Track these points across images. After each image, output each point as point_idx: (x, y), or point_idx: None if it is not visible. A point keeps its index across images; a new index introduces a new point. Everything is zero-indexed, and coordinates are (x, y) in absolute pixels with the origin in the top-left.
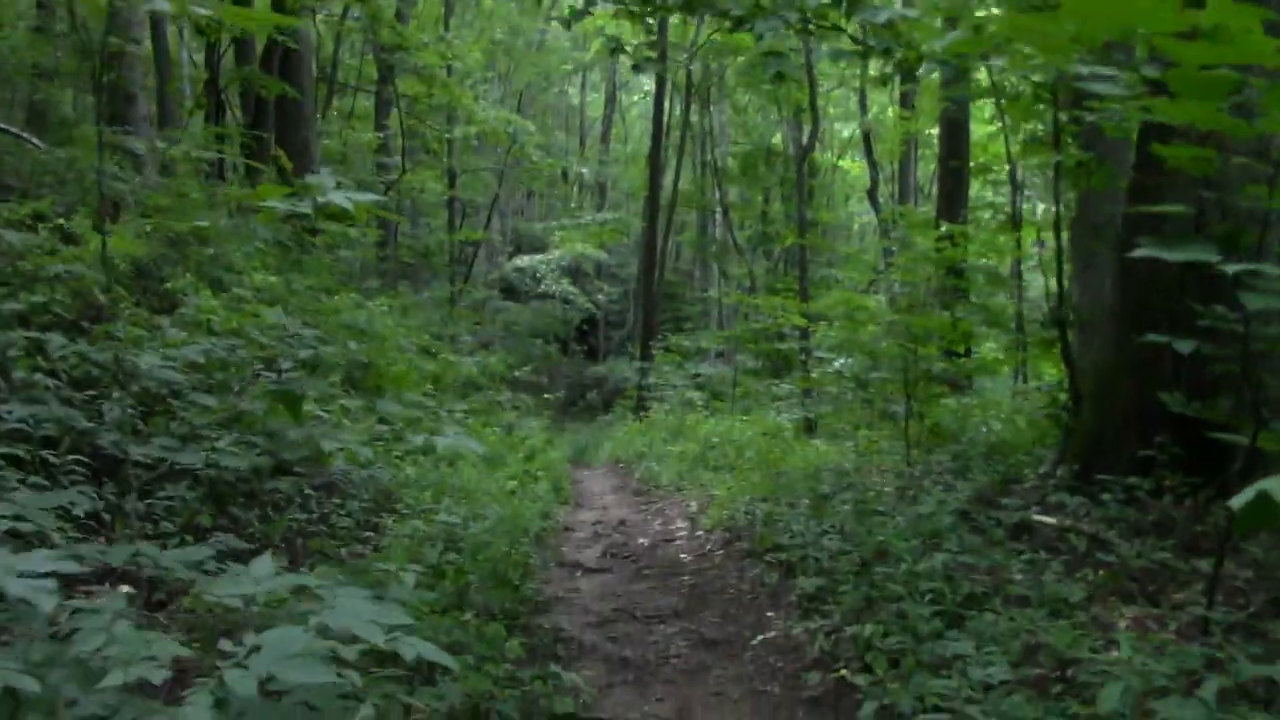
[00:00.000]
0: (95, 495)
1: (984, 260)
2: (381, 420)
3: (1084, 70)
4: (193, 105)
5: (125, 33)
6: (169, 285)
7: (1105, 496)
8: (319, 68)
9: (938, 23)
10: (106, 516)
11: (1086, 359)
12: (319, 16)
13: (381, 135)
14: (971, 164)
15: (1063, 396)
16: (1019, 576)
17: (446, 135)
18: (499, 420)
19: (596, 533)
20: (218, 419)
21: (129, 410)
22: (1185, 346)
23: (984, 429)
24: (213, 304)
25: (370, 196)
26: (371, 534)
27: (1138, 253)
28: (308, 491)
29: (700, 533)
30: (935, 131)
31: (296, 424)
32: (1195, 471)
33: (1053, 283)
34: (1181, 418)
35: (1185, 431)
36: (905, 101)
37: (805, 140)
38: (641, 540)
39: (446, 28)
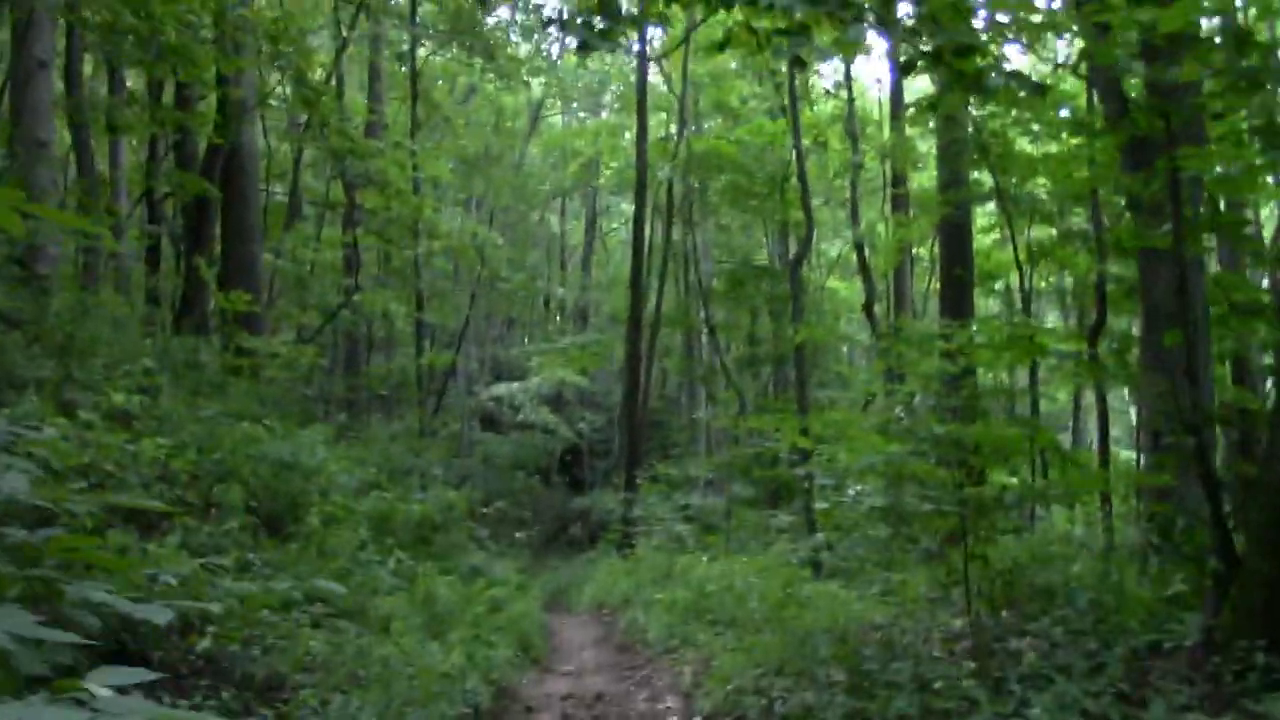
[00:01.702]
0: None
1: (991, 376)
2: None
3: None
4: (103, 210)
5: (29, 132)
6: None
7: None
8: (284, 188)
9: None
10: None
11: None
12: (272, 127)
13: (345, 254)
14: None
15: (1200, 534)
16: None
17: (407, 250)
18: (464, 564)
19: (565, 715)
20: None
21: None
22: None
23: (1060, 575)
24: (53, 432)
25: None
26: None
27: None
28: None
29: (697, 719)
30: (923, 250)
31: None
32: None
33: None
34: None
35: None
36: (899, 205)
37: (799, 248)
38: None
39: (413, 139)
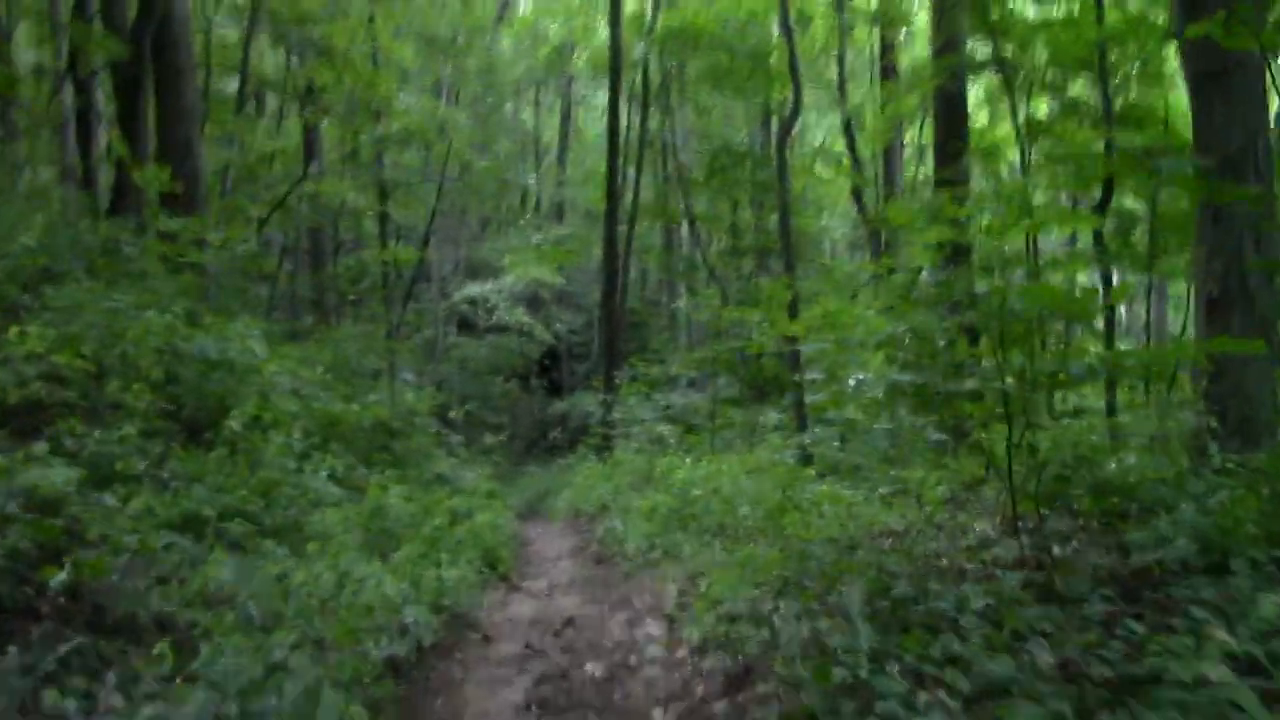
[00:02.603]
0: None
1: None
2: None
3: None
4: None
5: None
6: None
7: None
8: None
9: None
10: None
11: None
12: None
13: (307, 139)
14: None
15: None
16: None
17: (364, 136)
18: (429, 472)
19: (528, 645)
20: None
21: None
22: None
23: (1113, 466)
24: None
25: None
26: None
27: None
28: None
29: (683, 652)
30: (911, 136)
31: None
32: None
33: None
34: None
35: None
36: (889, 75)
37: (785, 120)
38: (592, 666)
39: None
